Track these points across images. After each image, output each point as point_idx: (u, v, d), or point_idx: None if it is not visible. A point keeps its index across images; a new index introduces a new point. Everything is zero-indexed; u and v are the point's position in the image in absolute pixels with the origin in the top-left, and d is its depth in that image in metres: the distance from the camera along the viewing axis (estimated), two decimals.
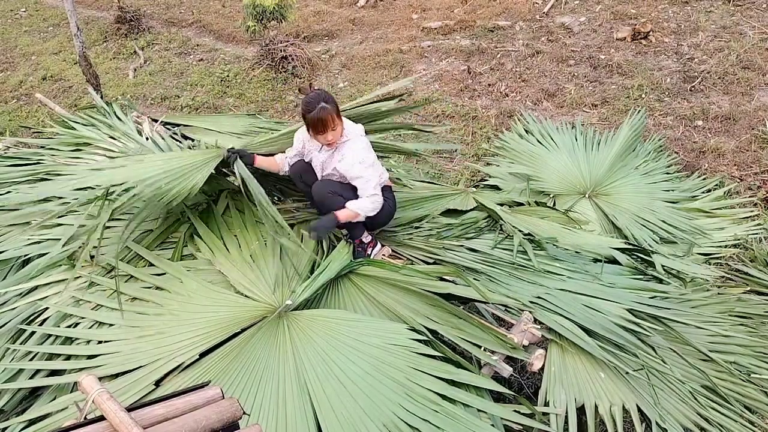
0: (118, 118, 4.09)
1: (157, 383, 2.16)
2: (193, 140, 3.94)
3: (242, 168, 2.78)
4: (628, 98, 5.57)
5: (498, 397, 2.20)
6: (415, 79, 4.22)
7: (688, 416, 2.36)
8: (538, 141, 4.42)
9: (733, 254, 3.60)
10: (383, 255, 2.90)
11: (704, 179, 4.29)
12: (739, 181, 4.33)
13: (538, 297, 2.50)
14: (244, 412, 1.35)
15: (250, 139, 3.28)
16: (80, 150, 3.75)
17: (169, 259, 2.76)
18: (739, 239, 3.70)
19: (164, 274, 2.67)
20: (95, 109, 4.26)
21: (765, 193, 4.13)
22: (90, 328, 2.42)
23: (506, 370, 2.22)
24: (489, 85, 6.20)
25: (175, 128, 4.10)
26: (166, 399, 1.34)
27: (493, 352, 2.26)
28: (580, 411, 2.22)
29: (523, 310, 2.43)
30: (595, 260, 2.88)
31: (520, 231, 2.93)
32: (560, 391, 2.24)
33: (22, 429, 2.12)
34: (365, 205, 2.79)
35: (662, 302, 2.72)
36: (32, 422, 2.13)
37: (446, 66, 6.74)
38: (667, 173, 4.28)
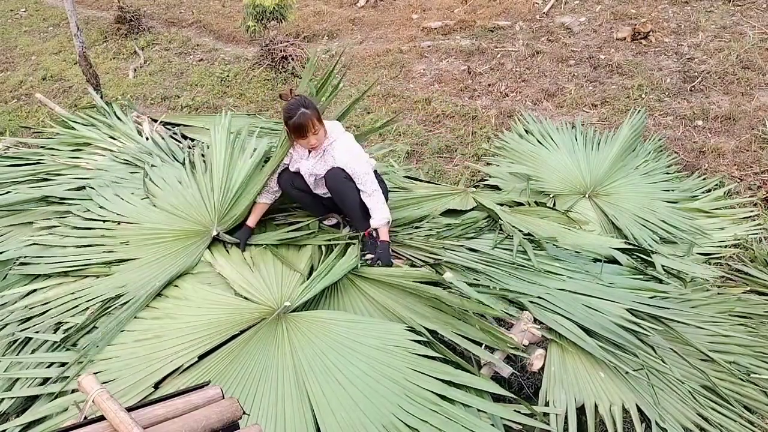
0: (118, 118, 4.09)
1: (156, 386, 2.16)
2: (193, 140, 3.94)
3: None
4: (628, 98, 5.57)
5: (498, 397, 2.20)
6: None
7: (687, 416, 2.35)
8: (538, 141, 4.41)
9: (733, 254, 3.60)
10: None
11: (704, 179, 4.29)
12: (739, 181, 4.33)
13: (538, 297, 2.50)
14: (244, 412, 1.36)
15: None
16: (80, 150, 3.75)
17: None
18: (739, 239, 3.69)
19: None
20: (95, 109, 4.27)
21: (765, 193, 4.13)
22: (88, 332, 2.42)
23: (506, 370, 2.23)
24: (489, 85, 6.20)
25: (175, 128, 4.11)
26: (166, 399, 1.34)
27: (492, 351, 2.26)
28: (580, 411, 2.21)
29: (523, 310, 2.43)
30: (595, 260, 2.88)
31: (520, 231, 2.93)
32: (560, 391, 2.24)
33: (21, 430, 2.12)
34: (381, 208, 2.84)
35: (662, 302, 2.72)
36: (32, 424, 2.13)
37: (446, 66, 6.74)
38: (667, 173, 4.28)
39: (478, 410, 2.05)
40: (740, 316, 3.01)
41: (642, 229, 3.59)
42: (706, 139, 4.86)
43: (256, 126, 4.00)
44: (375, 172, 3.03)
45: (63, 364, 2.28)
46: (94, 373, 1.41)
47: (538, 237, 2.89)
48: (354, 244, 2.87)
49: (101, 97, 4.58)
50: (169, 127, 4.12)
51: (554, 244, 2.87)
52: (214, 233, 2.88)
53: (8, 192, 3.31)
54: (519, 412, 2.10)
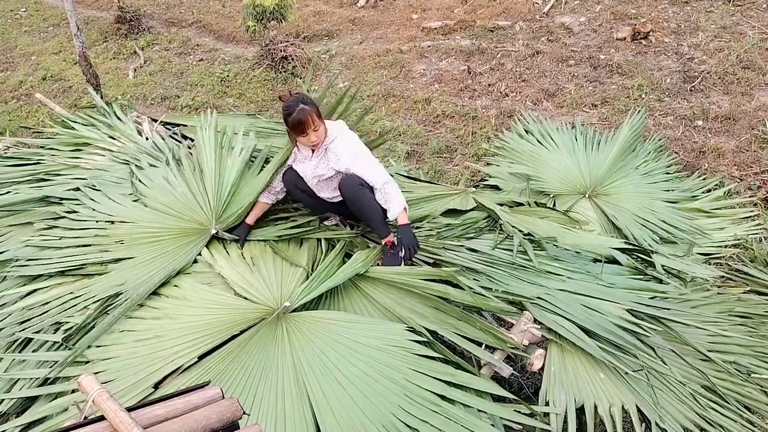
0: (118, 118, 4.09)
1: (156, 386, 2.16)
2: (192, 140, 3.94)
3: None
4: (628, 98, 5.57)
5: (498, 397, 2.20)
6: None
7: (687, 416, 2.35)
8: (538, 141, 4.41)
9: (733, 254, 3.61)
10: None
11: (704, 179, 4.29)
12: (739, 181, 4.33)
13: (538, 297, 2.50)
14: (244, 412, 1.35)
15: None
16: (80, 150, 3.75)
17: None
18: (739, 239, 3.70)
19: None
20: (95, 109, 4.26)
21: (765, 193, 4.13)
22: (87, 333, 2.42)
23: (506, 370, 2.23)
24: (489, 85, 6.20)
25: (175, 128, 4.10)
26: (166, 399, 1.34)
27: (493, 351, 2.26)
28: (580, 411, 2.22)
29: (523, 310, 2.44)
30: (595, 260, 2.88)
31: (520, 231, 2.93)
32: (560, 392, 2.24)
33: (21, 431, 2.12)
34: (396, 198, 2.75)
35: (662, 302, 2.72)
36: (32, 424, 2.13)
37: (446, 66, 6.74)
38: (667, 173, 4.28)
39: (479, 410, 2.05)
40: (740, 316, 3.01)
41: (642, 229, 3.59)
42: (706, 139, 4.86)
43: (256, 126, 4.00)
44: None
45: (63, 365, 2.28)
46: (94, 373, 1.41)
47: (538, 237, 2.88)
48: (357, 247, 2.86)
49: (101, 97, 4.58)
50: (169, 127, 4.11)
51: (554, 245, 2.87)
52: (213, 231, 2.89)
53: (8, 192, 3.31)
54: (519, 412, 2.10)
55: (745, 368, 2.69)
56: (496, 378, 2.24)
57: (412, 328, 2.32)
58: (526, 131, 4.58)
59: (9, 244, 2.96)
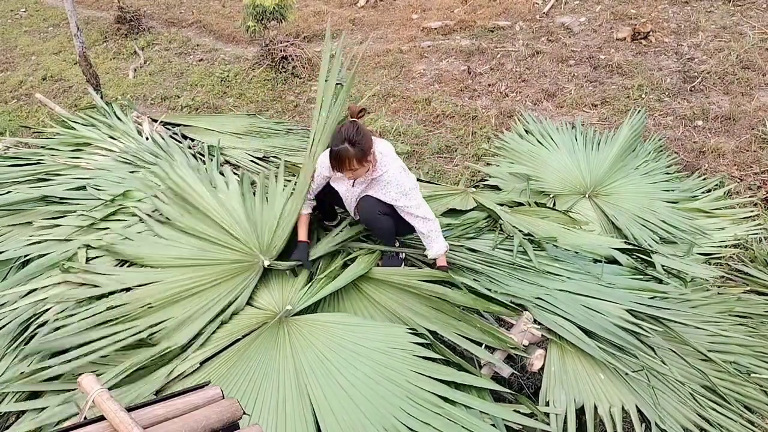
0: (118, 118, 4.09)
1: (157, 392, 2.16)
2: (193, 140, 3.94)
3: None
4: (628, 98, 5.57)
5: (498, 398, 2.20)
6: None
7: (687, 417, 2.35)
8: (538, 141, 4.42)
9: (733, 254, 3.60)
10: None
11: (704, 179, 4.29)
12: (739, 181, 4.33)
13: (538, 297, 2.50)
14: (244, 412, 1.35)
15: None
16: (80, 150, 3.75)
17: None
18: (739, 239, 3.70)
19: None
20: (95, 109, 4.26)
21: (765, 193, 4.13)
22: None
23: (506, 370, 2.23)
24: (489, 85, 6.20)
25: (175, 128, 4.11)
26: (166, 399, 1.34)
27: (493, 351, 2.26)
28: (580, 412, 2.22)
29: (523, 310, 2.44)
30: (595, 260, 2.88)
31: (520, 231, 2.93)
32: (560, 392, 2.24)
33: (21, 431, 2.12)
34: (438, 239, 2.67)
35: (662, 302, 2.72)
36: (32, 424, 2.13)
37: (446, 66, 6.74)
38: (667, 173, 4.28)
39: (480, 412, 2.05)
40: (740, 316, 3.01)
41: (642, 229, 3.59)
42: (706, 139, 4.86)
43: (256, 126, 4.01)
44: None
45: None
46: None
47: (538, 237, 2.89)
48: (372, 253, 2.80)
49: (101, 97, 4.58)
50: (169, 127, 4.12)
51: (554, 245, 2.87)
52: (267, 264, 2.62)
53: (8, 192, 3.31)
54: (519, 412, 2.10)
55: (745, 368, 2.69)
56: (497, 378, 2.24)
57: (413, 329, 2.32)
58: (526, 131, 4.58)
59: (9, 244, 2.95)
